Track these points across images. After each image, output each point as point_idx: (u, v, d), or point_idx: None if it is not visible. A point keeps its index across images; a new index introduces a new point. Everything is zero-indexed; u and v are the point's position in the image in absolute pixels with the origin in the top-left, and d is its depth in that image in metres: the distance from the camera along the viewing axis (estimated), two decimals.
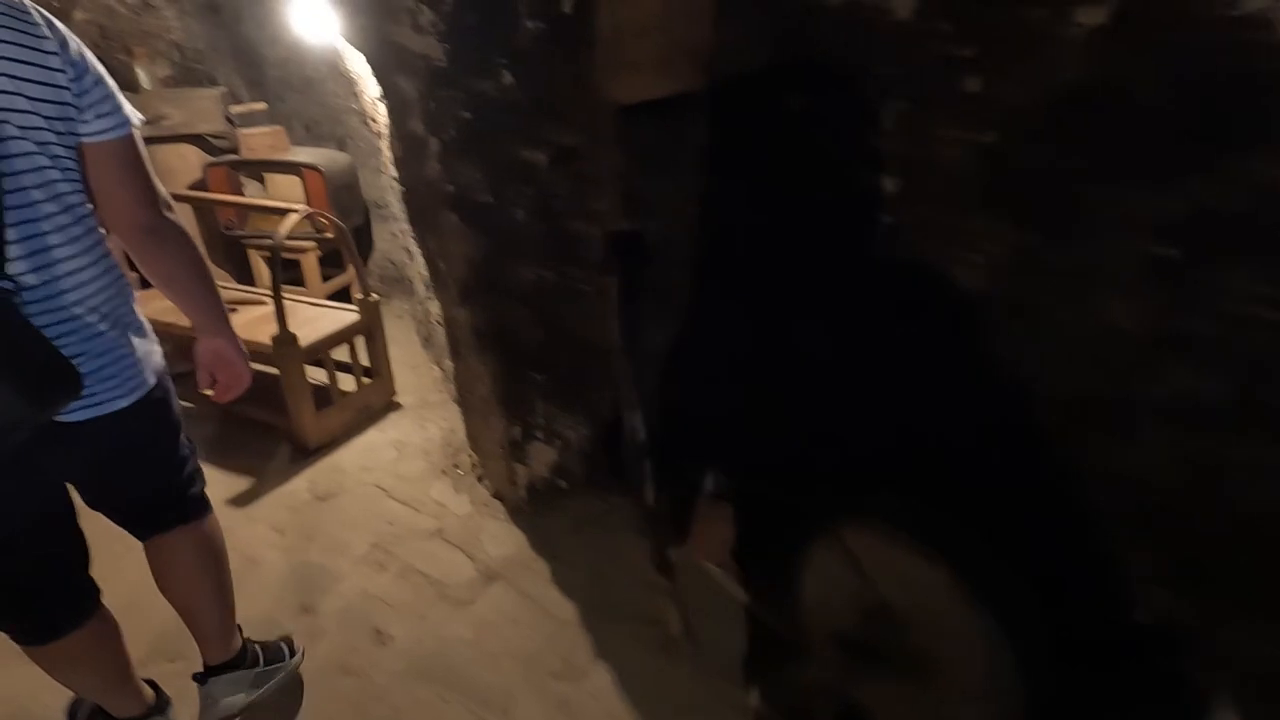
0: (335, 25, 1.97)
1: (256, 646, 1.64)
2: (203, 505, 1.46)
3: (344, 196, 3.55)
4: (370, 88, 2.86)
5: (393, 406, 3.04)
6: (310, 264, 3.57)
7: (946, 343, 1.35)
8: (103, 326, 1.11)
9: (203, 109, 3.40)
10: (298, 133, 4.20)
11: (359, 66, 2.86)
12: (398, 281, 4.13)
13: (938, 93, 1.18)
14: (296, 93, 4.25)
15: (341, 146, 4.21)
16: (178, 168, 3.45)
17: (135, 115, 1.12)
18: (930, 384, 1.34)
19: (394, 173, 2.54)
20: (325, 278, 3.76)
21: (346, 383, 2.89)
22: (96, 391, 1.10)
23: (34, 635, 1.25)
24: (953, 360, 1.35)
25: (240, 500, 2.43)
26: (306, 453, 2.67)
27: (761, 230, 1.51)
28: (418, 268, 3.43)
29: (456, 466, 2.62)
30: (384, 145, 3.15)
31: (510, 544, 2.21)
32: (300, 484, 2.52)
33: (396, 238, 3.90)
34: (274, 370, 2.59)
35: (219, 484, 2.51)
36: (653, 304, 1.67)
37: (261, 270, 3.66)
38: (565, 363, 2.04)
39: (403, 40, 1.50)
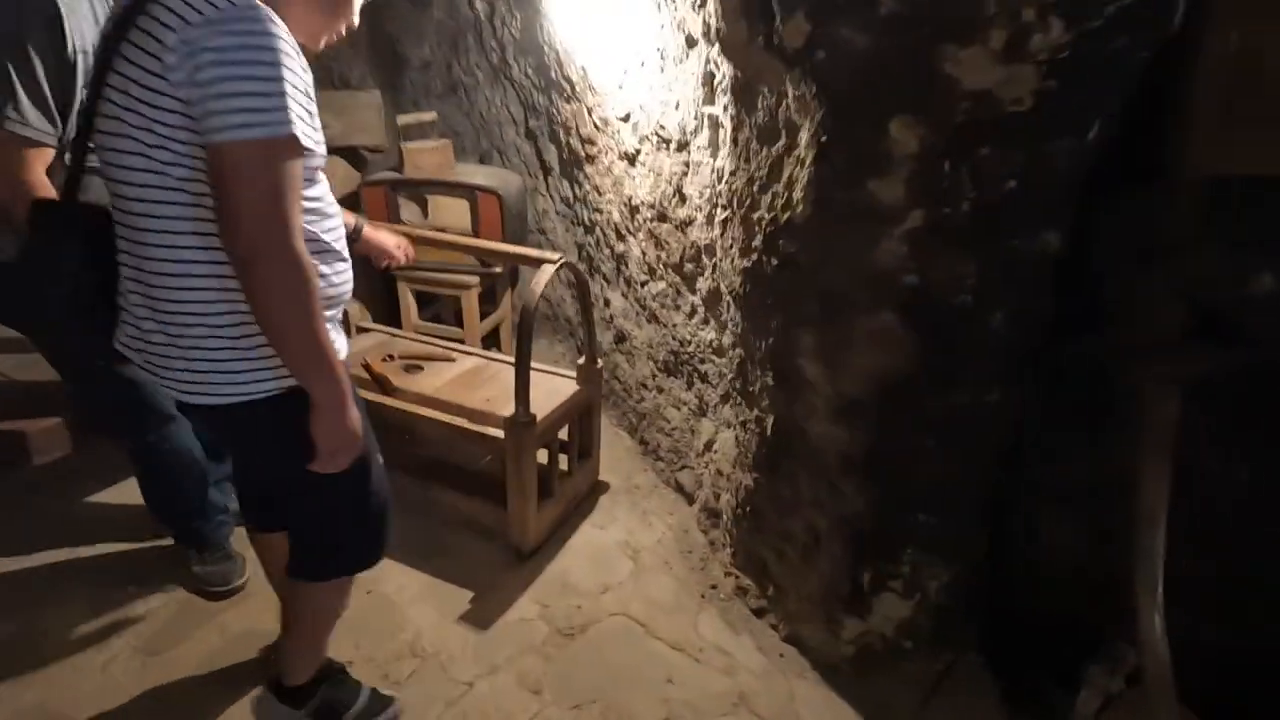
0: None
1: (327, 693, 1.55)
2: (313, 572, 1.40)
3: (515, 225, 2.99)
4: (609, 108, 2.31)
5: (599, 488, 2.49)
6: (471, 303, 3.03)
7: None
8: (189, 322, 1.07)
9: (363, 119, 2.85)
10: None
11: (599, 81, 2.30)
12: (548, 320, 3.58)
13: None
14: (437, 99, 3.70)
15: (485, 160, 3.66)
16: None
17: (261, 122, 0.93)
18: None
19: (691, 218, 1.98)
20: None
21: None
22: (178, 381, 1.12)
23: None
24: None
25: (465, 624, 1.88)
26: (523, 556, 2.12)
27: None
28: (606, 314, 2.88)
29: (714, 587, 2.06)
30: (595, 171, 2.60)
31: None
32: (529, 607, 1.96)
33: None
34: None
35: (432, 598, 1.96)
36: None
37: (410, 307, 3.11)
38: (971, 503, 1.49)
39: (955, 70, 0.95)
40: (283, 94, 0.94)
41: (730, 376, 1.81)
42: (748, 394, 1.72)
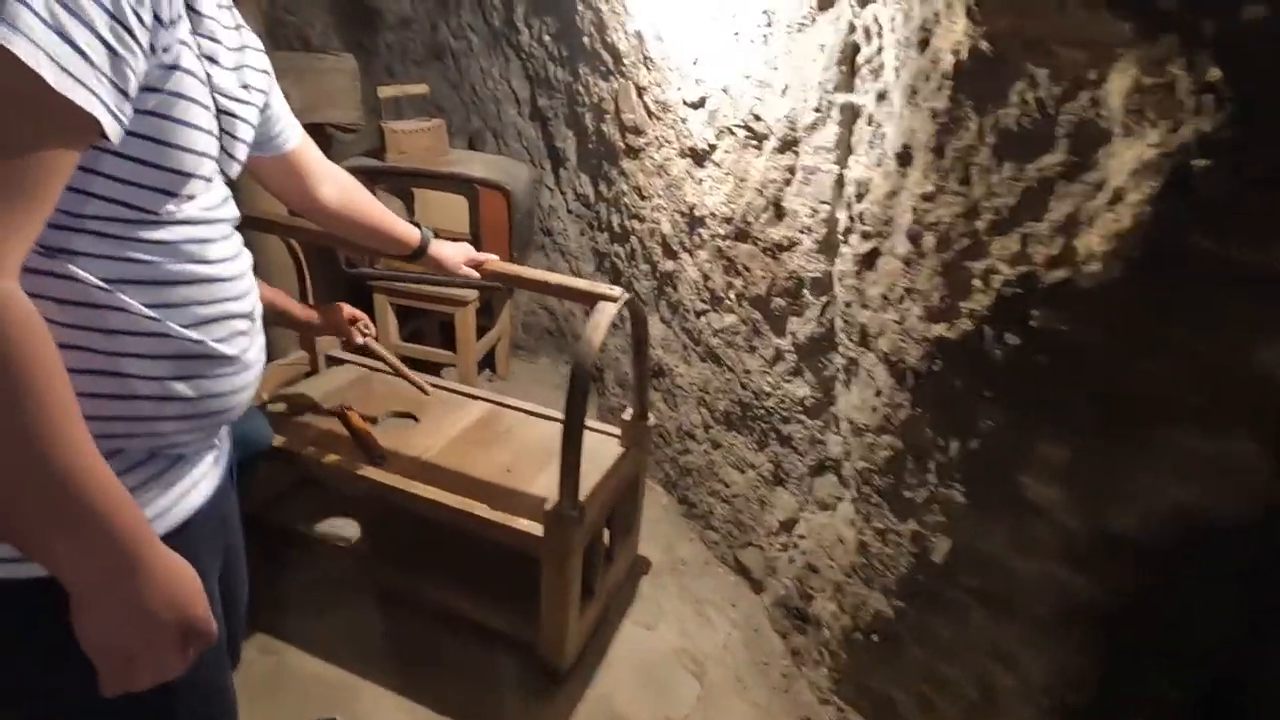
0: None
1: None
2: None
3: (523, 227, 2.44)
4: (673, 90, 1.78)
5: (638, 564, 1.99)
6: (467, 322, 2.47)
7: None
8: None
9: (334, 88, 2.24)
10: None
11: (663, 54, 1.77)
12: (551, 335, 3.04)
13: None
14: (416, 65, 3.09)
15: (476, 144, 3.08)
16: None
17: None
18: None
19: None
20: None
21: None
22: None
23: None
24: None
25: None
26: (557, 677, 1.61)
27: None
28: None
29: None
30: (638, 168, 2.07)
31: None
32: None
33: None
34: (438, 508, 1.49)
35: None
36: None
37: (388, 323, 2.53)
38: (1227, 660, 1.05)
39: None
40: None
41: (865, 465, 1.33)
42: (900, 498, 1.24)
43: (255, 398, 1.83)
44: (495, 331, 2.72)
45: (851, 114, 1.32)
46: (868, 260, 1.28)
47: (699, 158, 1.74)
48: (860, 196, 1.29)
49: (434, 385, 1.97)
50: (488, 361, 2.84)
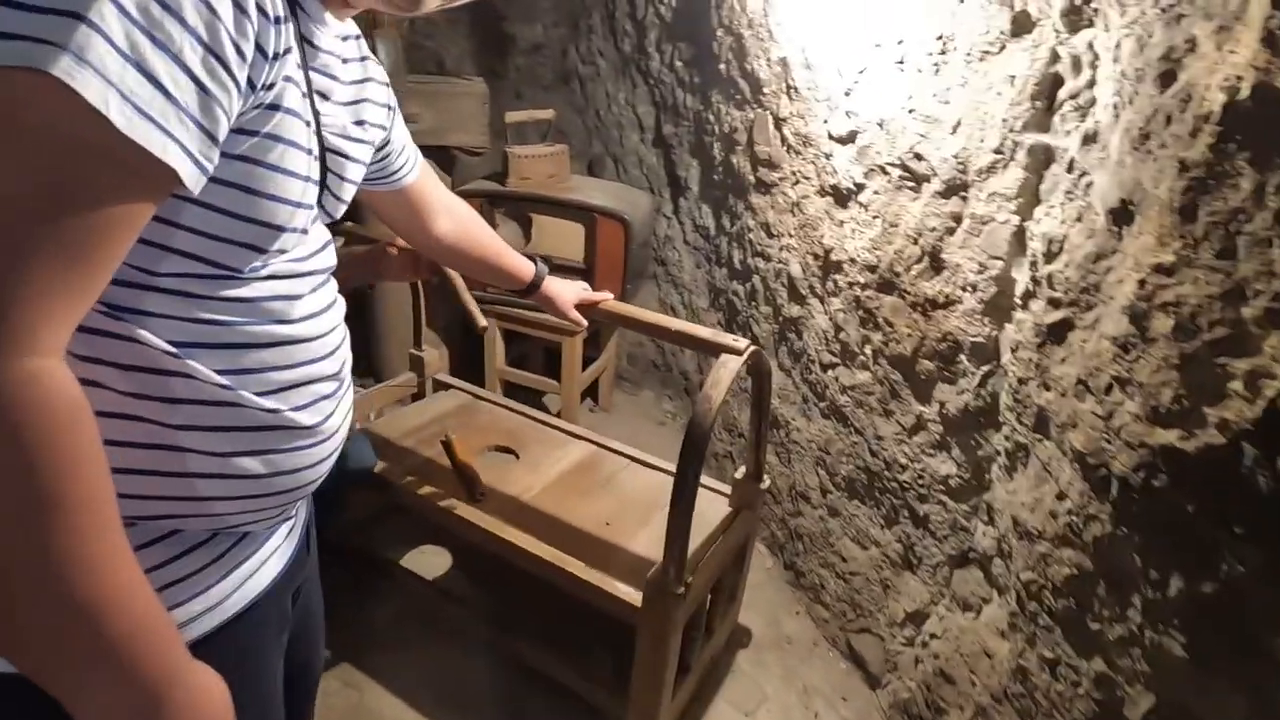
0: None
1: None
2: None
3: (639, 257, 2.34)
4: (818, 122, 1.62)
5: (737, 635, 1.81)
6: (574, 352, 2.39)
7: None
8: None
9: (463, 113, 2.23)
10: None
11: (811, 82, 1.62)
12: (657, 369, 2.92)
13: None
14: (543, 90, 3.09)
15: (595, 169, 3.03)
16: None
17: None
18: None
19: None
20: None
21: None
22: None
23: None
24: None
25: None
26: None
27: None
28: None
29: None
30: (768, 204, 1.92)
31: None
32: None
33: (672, 312, 2.70)
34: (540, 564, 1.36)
35: None
36: None
37: (495, 347, 2.49)
38: None
39: None
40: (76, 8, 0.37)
41: (1034, 577, 1.10)
42: (1082, 628, 1.01)
43: (360, 418, 1.83)
44: (600, 362, 2.63)
45: (1044, 157, 1.12)
46: (1056, 332, 1.06)
47: (842, 197, 1.57)
48: (1051, 256, 1.08)
49: (538, 420, 1.88)
50: (590, 391, 2.76)
